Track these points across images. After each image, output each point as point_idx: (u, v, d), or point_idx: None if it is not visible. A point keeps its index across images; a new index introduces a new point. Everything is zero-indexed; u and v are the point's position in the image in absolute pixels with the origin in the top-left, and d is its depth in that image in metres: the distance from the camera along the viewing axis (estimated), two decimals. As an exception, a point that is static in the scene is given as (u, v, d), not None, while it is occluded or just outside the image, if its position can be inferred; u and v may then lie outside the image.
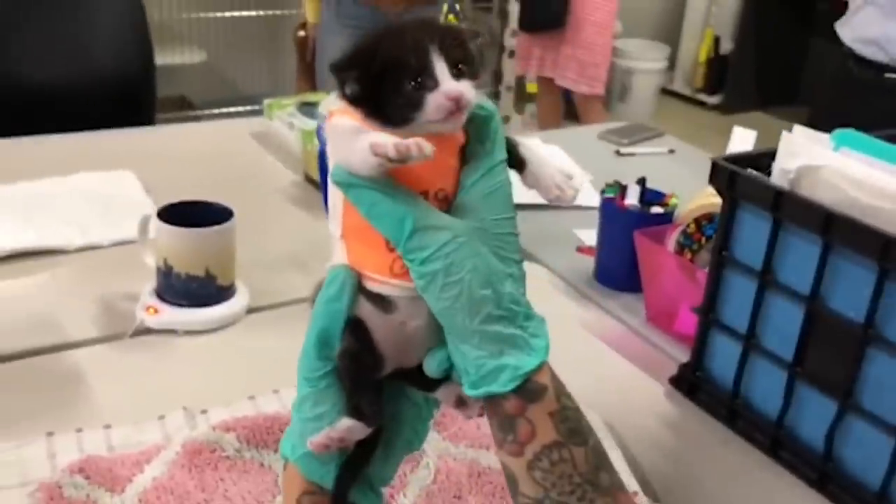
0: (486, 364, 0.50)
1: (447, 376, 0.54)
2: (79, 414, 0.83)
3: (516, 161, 0.54)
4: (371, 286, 0.52)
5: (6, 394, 0.86)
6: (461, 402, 0.56)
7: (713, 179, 0.84)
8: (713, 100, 4.76)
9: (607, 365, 0.99)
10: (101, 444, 0.78)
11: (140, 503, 0.70)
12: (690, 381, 0.91)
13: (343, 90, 0.49)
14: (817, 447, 0.79)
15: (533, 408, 0.51)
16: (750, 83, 4.61)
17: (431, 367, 0.54)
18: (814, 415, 0.79)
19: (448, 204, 0.52)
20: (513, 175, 0.54)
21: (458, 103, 0.47)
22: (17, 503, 0.70)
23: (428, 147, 0.47)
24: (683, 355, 0.96)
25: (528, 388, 0.51)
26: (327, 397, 0.54)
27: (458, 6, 1.05)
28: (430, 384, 0.55)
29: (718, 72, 4.69)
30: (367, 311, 0.52)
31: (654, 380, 0.96)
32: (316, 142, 1.45)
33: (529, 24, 3.12)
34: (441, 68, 0.47)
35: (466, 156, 0.52)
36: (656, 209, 1.09)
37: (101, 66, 1.91)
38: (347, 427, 0.53)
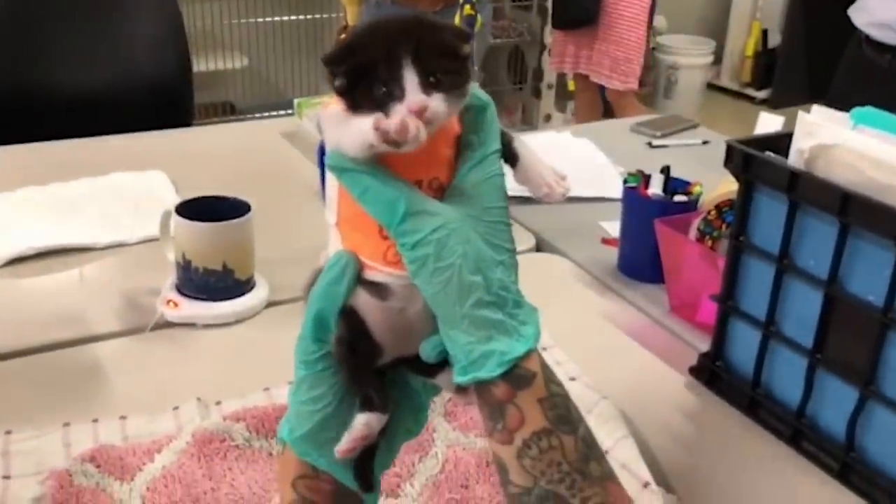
0: (475, 349, 0.50)
1: (447, 362, 0.54)
2: (97, 405, 0.84)
3: (510, 155, 0.54)
4: (367, 273, 0.52)
5: (27, 386, 0.87)
6: (460, 389, 0.56)
7: (728, 162, 0.82)
8: (761, 94, 4.67)
9: (628, 356, 0.97)
10: (115, 434, 0.80)
11: (148, 491, 0.71)
12: (710, 371, 0.89)
13: (331, 82, 0.50)
14: (839, 436, 0.76)
15: (522, 394, 0.50)
16: (799, 77, 4.49)
17: (427, 352, 0.54)
18: (835, 403, 0.76)
19: (442, 192, 0.52)
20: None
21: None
22: (27, 491, 0.71)
23: (422, 132, 0.47)
24: (706, 345, 0.93)
25: (517, 375, 0.50)
26: (323, 380, 0.54)
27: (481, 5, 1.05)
28: (431, 370, 0.55)
29: (766, 66, 4.60)
30: (362, 299, 0.52)
31: (674, 370, 0.94)
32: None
33: (562, 21, 3.09)
34: (411, 79, 0.48)
35: (461, 145, 0.52)
36: (679, 197, 1.07)
37: (140, 72, 1.95)
38: (365, 422, 0.53)
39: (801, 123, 0.77)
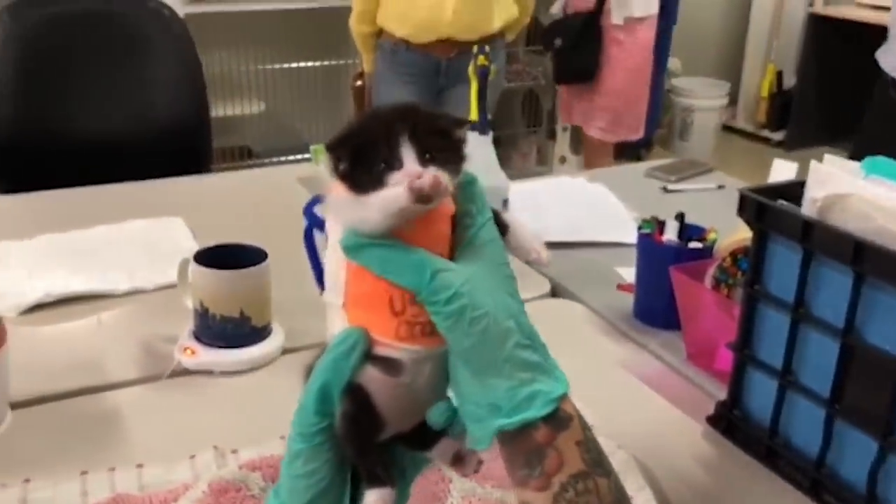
0: (520, 392, 0.50)
1: (444, 432, 0.55)
2: (114, 453, 0.85)
3: (500, 224, 0.57)
4: (377, 350, 0.53)
5: (44, 433, 0.88)
6: (458, 459, 0.57)
7: (741, 211, 0.82)
8: (777, 136, 4.68)
9: (645, 404, 0.97)
10: (132, 483, 0.80)
11: (163, 541, 0.71)
12: (728, 420, 0.89)
13: (335, 167, 0.52)
14: (860, 487, 0.75)
15: (561, 436, 0.51)
16: (815, 118, 4.51)
17: (434, 417, 0.54)
18: (855, 453, 0.76)
19: None
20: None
21: (419, 182, 0.50)
22: (47, 540, 0.72)
23: (450, 185, 0.51)
24: (723, 393, 0.93)
25: (558, 417, 0.51)
26: (319, 454, 0.54)
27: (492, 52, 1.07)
28: (426, 442, 0.56)
29: (781, 107, 4.61)
30: (370, 374, 0.53)
31: (691, 418, 0.93)
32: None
33: (563, 76, 3.06)
34: (408, 154, 0.50)
35: (458, 216, 0.54)
36: (694, 244, 1.07)
37: (159, 118, 1.98)
38: (376, 499, 0.53)
39: (813, 172, 0.77)
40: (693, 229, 1.11)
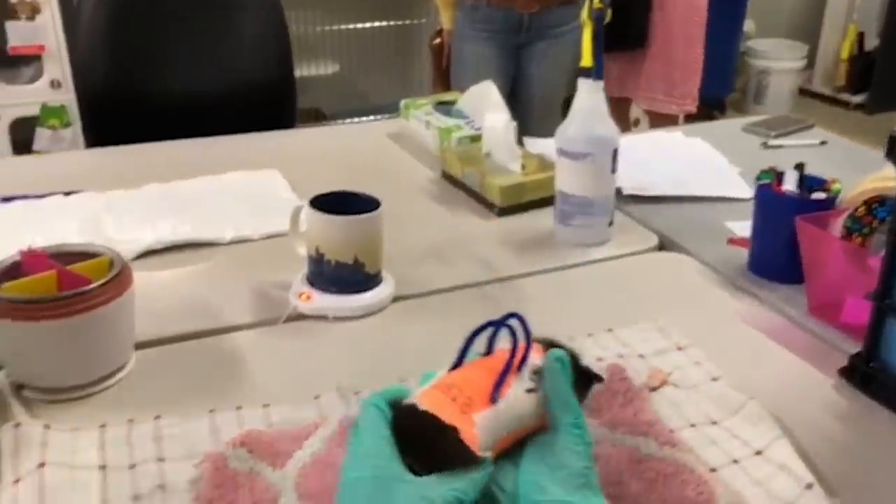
0: None
1: None
2: (237, 394, 0.85)
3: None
4: None
5: (169, 374, 0.89)
6: None
7: (890, 154, 0.78)
8: (856, 99, 4.52)
9: (769, 357, 0.94)
10: (260, 421, 0.80)
11: (301, 477, 0.71)
12: (863, 372, 0.85)
13: None
14: None
15: None
16: (898, 80, 4.33)
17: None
18: None
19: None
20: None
21: None
22: (183, 473, 0.72)
23: None
24: (851, 346, 0.90)
25: None
26: None
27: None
28: None
29: (862, 70, 4.45)
30: None
31: (821, 372, 0.90)
32: (453, 138, 1.46)
33: (609, 44, 2.89)
34: None
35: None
36: (817, 195, 1.03)
37: (246, 77, 1.99)
38: None
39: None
40: (812, 180, 1.07)
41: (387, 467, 0.58)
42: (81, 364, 0.84)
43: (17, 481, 0.70)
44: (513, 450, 0.63)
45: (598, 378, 0.73)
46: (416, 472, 0.58)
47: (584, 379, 0.69)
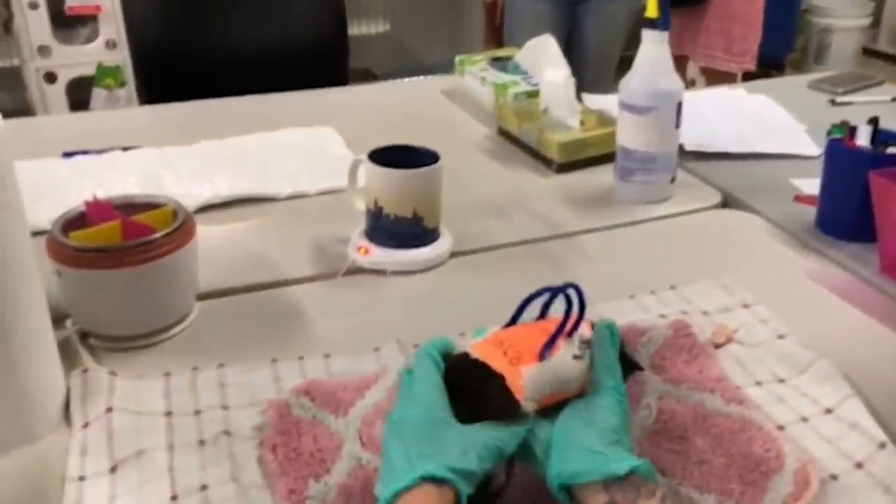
0: None
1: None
2: (299, 344, 0.86)
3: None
4: None
5: (230, 324, 0.90)
6: None
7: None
8: (924, 59, 4.35)
9: (838, 315, 0.91)
10: (321, 371, 0.80)
11: (364, 426, 0.71)
12: (940, 332, 0.83)
13: None
14: None
15: None
16: (969, 39, 4.17)
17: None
18: None
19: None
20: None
21: None
22: (247, 420, 0.73)
23: None
24: (927, 307, 0.87)
25: None
26: None
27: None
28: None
29: (931, 28, 4.28)
30: None
31: (893, 331, 0.87)
32: (509, 94, 1.44)
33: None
34: None
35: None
36: (892, 150, 0.99)
37: (300, 35, 1.99)
38: None
39: None
40: (887, 135, 1.03)
41: (436, 410, 0.60)
42: (146, 313, 0.85)
43: (86, 425, 0.72)
44: (553, 409, 0.64)
45: (638, 367, 0.75)
46: (463, 422, 0.60)
47: (626, 364, 0.69)
